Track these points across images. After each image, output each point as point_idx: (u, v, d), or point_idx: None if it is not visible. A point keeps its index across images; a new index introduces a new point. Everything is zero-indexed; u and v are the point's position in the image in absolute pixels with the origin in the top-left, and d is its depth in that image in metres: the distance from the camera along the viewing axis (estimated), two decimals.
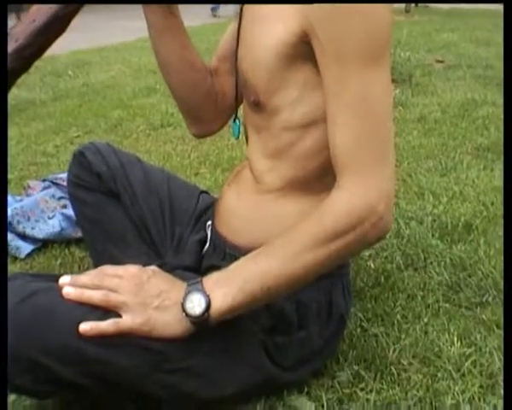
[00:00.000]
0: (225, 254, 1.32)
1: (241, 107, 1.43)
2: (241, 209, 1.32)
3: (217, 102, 1.46)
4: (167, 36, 1.33)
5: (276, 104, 1.18)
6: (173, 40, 1.34)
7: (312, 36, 1.06)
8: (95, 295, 1.08)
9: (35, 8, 1.17)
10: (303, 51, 1.09)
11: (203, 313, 1.06)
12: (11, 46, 1.12)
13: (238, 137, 1.48)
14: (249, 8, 1.22)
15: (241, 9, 1.27)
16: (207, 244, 1.41)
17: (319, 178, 1.20)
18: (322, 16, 1.02)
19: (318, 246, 1.06)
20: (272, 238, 1.11)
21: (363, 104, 1.04)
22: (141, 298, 1.08)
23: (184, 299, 1.07)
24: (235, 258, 1.22)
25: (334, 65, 1.04)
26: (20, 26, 1.15)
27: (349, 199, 1.06)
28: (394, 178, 1.09)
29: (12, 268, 1.96)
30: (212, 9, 13.73)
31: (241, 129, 1.43)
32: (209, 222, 1.45)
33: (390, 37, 1.07)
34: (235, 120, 1.47)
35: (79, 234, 2.08)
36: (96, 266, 1.60)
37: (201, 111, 1.46)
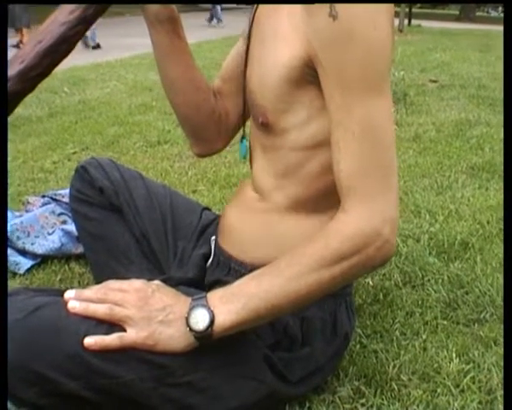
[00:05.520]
0: (230, 269, 1.34)
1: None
2: (245, 227, 1.33)
3: (220, 122, 1.47)
4: (172, 57, 1.34)
5: (285, 125, 1.19)
6: (178, 61, 1.35)
7: (316, 62, 1.07)
8: (99, 309, 1.09)
9: (41, 28, 1.18)
10: (309, 75, 1.11)
11: (207, 329, 1.07)
12: (17, 67, 1.13)
13: (245, 157, 1.49)
14: (258, 29, 1.24)
15: (250, 29, 1.29)
16: (211, 259, 1.43)
17: (326, 197, 1.21)
18: (323, 42, 1.03)
19: (323, 268, 1.07)
20: (278, 257, 1.12)
21: (367, 130, 1.04)
22: (145, 312, 1.09)
23: (188, 314, 1.08)
24: (240, 273, 1.23)
25: (338, 92, 1.05)
26: (27, 48, 1.16)
27: (354, 223, 1.07)
28: (398, 202, 1.10)
29: (11, 284, 1.96)
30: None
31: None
32: (213, 237, 1.46)
33: (390, 61, 1.07)
34: (242, 140, 1.48)
35: (79, 250, 2.09)
36: (97, 281, 1.61)
37: (204, 131, 1.47)
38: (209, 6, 17.83)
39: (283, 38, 1.12)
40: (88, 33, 10.57)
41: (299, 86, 1.14)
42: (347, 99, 1.04)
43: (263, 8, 1.25)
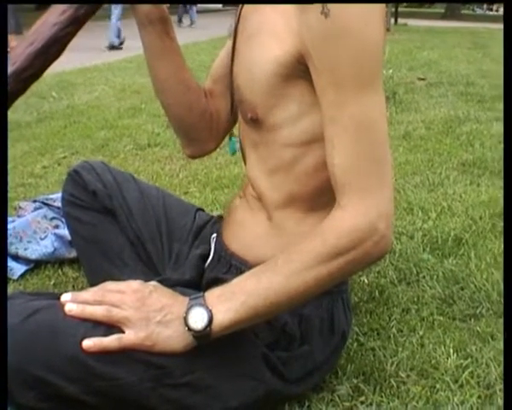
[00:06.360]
0: (231, 266, 1.33)
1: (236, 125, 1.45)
2: (246, 224, 1.33)
3: (212, 123, 1.47)
4: (163, 58, 1.34)
5: (275, 121, 1.18)
6: (169, 62, 1.35)
7: (308, 59, 1.07)
8: (97, 311, 1.09)
9: (32, 30, 1.17)
10: (300, 70, 1.10)
11: (205, 328, 1.07)
12: (9, 69, 1.13)
13: (234, 154, 1.49)
14: (245, 25, 1.23)
15: (236, 26, 1.29)
16: (211, 257, 1.42)
17: (323, 194, 1.21)
18: (315, 40, 1.03)
19: (320, 264, 1.07)
20: (275, 255, 1.11)
21: (361, 126, 1.04)
22: (143, 313, 1.09)
23: (187, 313, 1.08)
24: (240, 271, 1.23)
25: (331, 89, 1.05)
26: (18, 49, 1.15)
27: (351, 218, 1.07)
28: (393, 197, 1.10)
29: None
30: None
31: (237, 146, 1.44)
32: (214, 235, 1.46)
33: (382, 58, 1.07)
34: (230, 138, 1.48)
35: (72, 254, 2.08)
36: (91, 285, 1.60)
37: (196, 131, 1.47)
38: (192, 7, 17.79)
39: (273, 34, 1.12)
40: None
41: (290, 81, 1.13)
42: (340, 96, 1.04)
43: (248, 5, 1.24)
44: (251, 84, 1.19)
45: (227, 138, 1.51)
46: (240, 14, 1.28)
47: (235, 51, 1.28)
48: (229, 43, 1.38)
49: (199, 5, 18.24)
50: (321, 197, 1.22)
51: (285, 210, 1.26)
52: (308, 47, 1.05)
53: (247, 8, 1.25)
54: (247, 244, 1.32)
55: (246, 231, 1.33)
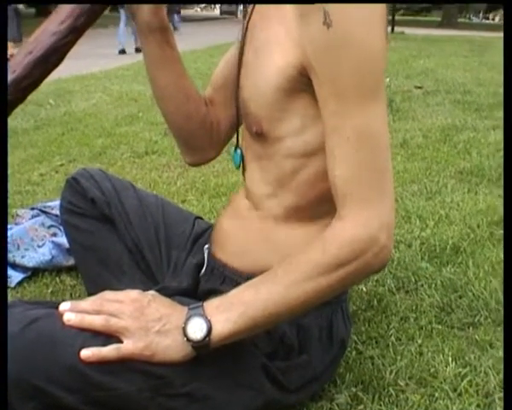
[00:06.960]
0: (225, 277, 1.32)
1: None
2: (240, 235, 1.32)
3: (212, 131, 1.46)
4: (164, 66, 1.34)
5: (279, 134, 1.18)
6: (170, 70, 1.35)
7: (310, 70, 1.06)
8: (95, 321, 1.08)
9: (32, 38, 1.17)
10: (302, 83, 1.10)
11: (204, 338, 1.06)
12: (8, 77, 1.13)
13: (239, 167, 1.48)
14: (252, 36, 1.23)
15: (244, 36, 1.28)
16: (204, 267, 1.41)
17: (321, 204, 1.21)
18: (317, 51, 1.03)
19: (320, 275, 1.07)
20: (274, 265, 1.11)
21: (363, 137, 1.04)
22: (142, 323, 1.08)
23: (185, 323, 1.07)
24: (236, 282, 1.22)
25: (332, 99, 1.04)
26: (18, 58, 1.15)
27: (351, 229, 1.06)
28: (394, 207, 1.10)
29: None
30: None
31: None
32: (206, 245, 1.45)
33: (384, 67, 1.07)
34: (236, 150, 1.47)
35: (70, 262, 2.08)
36: (89, 293, 1.59)
37: (196, 139, 1.46)
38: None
39: (277, 46, 1.11)
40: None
41: (294, 94, 1.13)
42: (342, 106, 1.04)
43: (256, 16, 1.24)
44: (257, 97, 1.18)
45: (230, 148, 1.50)
46: (248, 23, 1.27)
47: (243, 63, 1.27)
48: (233, 51, 1.38)
49: (198, 13, 18.30)
50: (319, 208, 1.22)
51: (282, 220, 1.25)
52: (310, 58, 1.04)
53: (255, 17, 1.24)
54: (238, 255, 1.31)
55: (237, 243, 1.32)
